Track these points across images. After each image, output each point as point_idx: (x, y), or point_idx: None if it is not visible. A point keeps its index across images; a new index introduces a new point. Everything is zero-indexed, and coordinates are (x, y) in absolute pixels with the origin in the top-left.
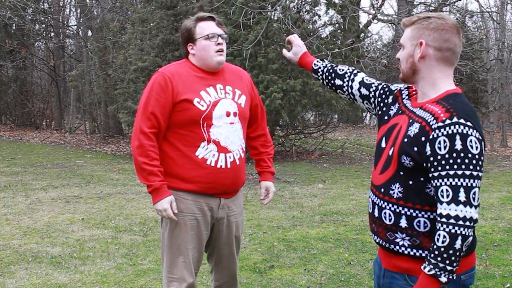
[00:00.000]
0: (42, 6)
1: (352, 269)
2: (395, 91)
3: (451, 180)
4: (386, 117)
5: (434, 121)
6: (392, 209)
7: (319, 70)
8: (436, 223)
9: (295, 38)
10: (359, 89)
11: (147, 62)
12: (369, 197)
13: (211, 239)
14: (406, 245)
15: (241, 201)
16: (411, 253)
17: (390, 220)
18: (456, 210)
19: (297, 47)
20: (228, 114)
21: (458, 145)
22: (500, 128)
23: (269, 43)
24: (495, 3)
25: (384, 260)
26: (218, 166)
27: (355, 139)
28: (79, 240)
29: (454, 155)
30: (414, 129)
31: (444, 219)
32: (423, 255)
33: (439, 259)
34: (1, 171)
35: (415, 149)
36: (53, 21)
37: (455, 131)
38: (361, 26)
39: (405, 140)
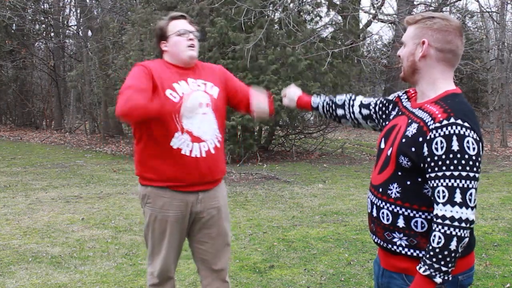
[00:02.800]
0: (42, 6)
1: (352, 269)
2: (394, 99)
3: (447, 181)
4: (387, 122)
5: (432, 121)
6: (390, 209)
7: (319, 106)
8: (432, 224)
9: (287, 88)
10: (360, 112)
11: None
12: (368, 197)
13: (192, 236)
14: (404, 245)
15: (223, 194)
16: (409, 253)
17: (388, 220)
18: (451, 211)
19: (291, 93)
20: (200, 105)
21: (455, 146)
22: (500, 128)
23: (270, 44)
24: (495, 3)
25: (382, 259)
26: (193, 155)
27: (355, 139)
28: (79, 240)
29: (451, 156)
30: (412, 129)
31: (439, 220)
32: (420, 255)
33: (434, 260)
34: (1, 171)
35: (413, 149)
36: (53, 21)
37: (452, 131)
38: (361, 26)
39: (403, 140)
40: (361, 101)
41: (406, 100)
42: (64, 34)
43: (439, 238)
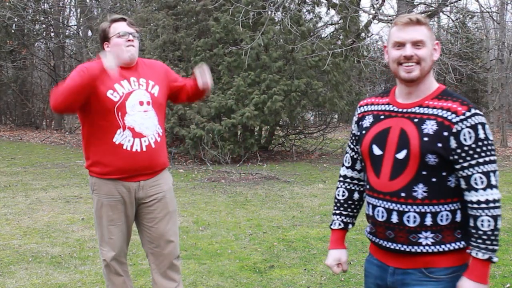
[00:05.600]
0: (42, 6)
1: (352, 269)
2: (356, 120)
3: (481, 167)
4: (363, 131)
5: (454, 115)
6: (417, 210)
7: (349, 224)
8: (472, 210)
9: None
10: (359, 172)
11: None
12: (377, 205)
13: (137, 221)
14: (430, 243)
15: (168, 181)
16: (435, 250)
17: (414, 222)
18: (492, 194)
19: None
20: (141, 103)
21: (481, 134)
22: (500, 128)
23: (271, 46)
24: (495, 3)
25: (394, 260)
26: (134, 150)
27: None
28: (79, 240)
29: (480, 143)
30: (431, 126)
31: (483, 205)
32: (441, 249)
33: (488, 242)
34: (1, 171)
35: (439, 145)
36: (53, 21)
37: (476, 121)
38: (361, 26)
39: (425, 139)
40: (346, 174)
41: (376, 105)
42: (64, 34)
43: (489, 221)
